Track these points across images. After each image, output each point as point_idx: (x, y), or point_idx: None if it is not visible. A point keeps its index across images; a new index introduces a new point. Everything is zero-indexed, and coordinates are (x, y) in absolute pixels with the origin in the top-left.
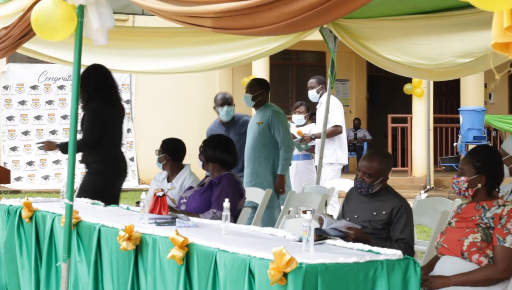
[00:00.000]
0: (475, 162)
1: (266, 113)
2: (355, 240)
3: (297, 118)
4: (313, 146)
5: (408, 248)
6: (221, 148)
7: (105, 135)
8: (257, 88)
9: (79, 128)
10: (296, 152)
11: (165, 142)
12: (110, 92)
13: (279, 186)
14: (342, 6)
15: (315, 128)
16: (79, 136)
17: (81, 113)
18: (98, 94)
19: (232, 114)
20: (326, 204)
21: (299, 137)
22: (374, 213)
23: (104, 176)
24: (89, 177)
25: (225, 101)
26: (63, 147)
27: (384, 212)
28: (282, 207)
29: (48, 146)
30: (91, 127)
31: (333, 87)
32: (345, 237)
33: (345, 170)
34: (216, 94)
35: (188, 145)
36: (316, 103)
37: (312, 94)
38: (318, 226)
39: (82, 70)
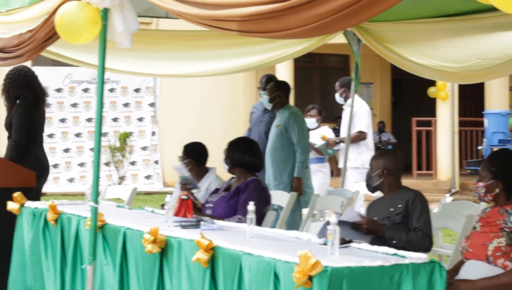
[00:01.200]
0: (491, 167)
1: (284, 115)
2: (368, 230)
3: (309, 121)
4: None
5: (425, 236)
6: (247, 152)
7: (31, 136)
8: (275, 90)
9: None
10: (311, 155)
11: (187, 147)
12: (35, 94)
13: (296, 188)
14: (367, 9)
15: (327, 131)
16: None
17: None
18: (25, 96)
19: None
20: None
21: (323, 142)
22: (391, 209)
23: None
24: None
25: (264, 85)
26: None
27: (400, 206)
28: (302, 209)
29: None
30: (21, 127)
31: (358, 90)
32: (358, 227)
33: None
34: (263, 76)
35: (213, 148)
36: (334, 105)
37: (337, 97)
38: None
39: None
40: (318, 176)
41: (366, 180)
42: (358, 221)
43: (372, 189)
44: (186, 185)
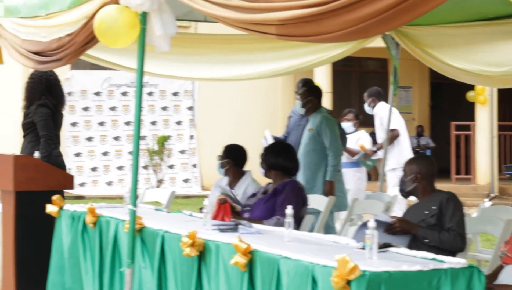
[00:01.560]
0: None
1: (317, 119)
2: (401, 229)
3: (346, 125)
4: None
5: (458, 236)
6: (283, 155)
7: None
8: (307, 95)
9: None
10: (344, 159)
11: (228, 148)
12: (55, 98)
13: (328, 192)
14: (405, 13)
15: (364, 135)
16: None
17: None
18: (45, 97)
19: None
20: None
21: (362, 153)
22: (426, 212)
23: None
24: None
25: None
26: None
27: (434, 207)
28: (334, 213)
29: None
30: (47, 123)
31: (396, 94)
32: (391, 229)
33: None
34: (299, 80)
35: (250, 152)
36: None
37: (366, 108)
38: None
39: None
40: (354, 180)
41: (399, 185)
42: (390, 222)
43: (405, 194)
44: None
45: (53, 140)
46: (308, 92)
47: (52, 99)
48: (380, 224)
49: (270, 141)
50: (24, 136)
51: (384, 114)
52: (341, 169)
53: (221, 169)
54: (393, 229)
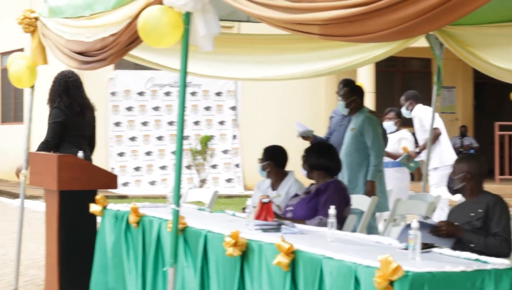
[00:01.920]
0: None
1: (359, 119)
2: (447, 233)
3: (387, 124)
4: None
5: (504, 241)
6: (325, 155)
7: (64, 136)
8: (349, 96)
9: None
10: (385, 159)
11: (268, 150)
12: (73, 99)
13: (369, 192)
14: (449, 13)
15: (406, 134)
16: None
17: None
18: (61, 98)
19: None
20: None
21: (405, 154)
22: (472, 214)
23: None
24: None
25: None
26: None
27: (480, 210)
28: (377, 213)
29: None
30: (53, 127)
31: (439, 94)
32: (437, 231)
33: None
34: (340, 80)
35: (293, 152)
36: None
37: (403, 111)
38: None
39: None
40: (394, 180)
41: (447, 182)
42: (436, 224)
43: (453, 191)
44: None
45: (51, 145)
46: (351, 92)
47: (67, 101)
48: (424, 226)
49: (303, 128)
50: None
51: (424, 115)
52: (383, 169)
53: (263, 171)
54: (439, 232)
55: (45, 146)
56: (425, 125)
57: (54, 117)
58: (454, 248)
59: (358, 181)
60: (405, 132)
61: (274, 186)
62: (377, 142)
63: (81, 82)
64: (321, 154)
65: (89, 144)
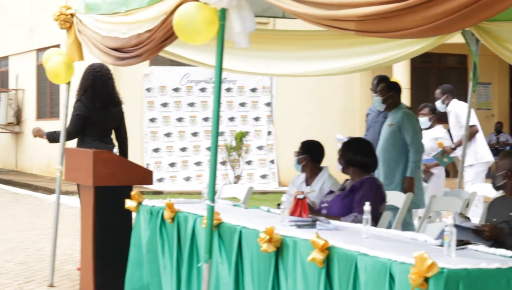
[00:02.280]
0: None
1: (398, 115)
2: (490, 237)
3: (421, 120)
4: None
5: None
6: (361, 152)
7: (86, 129)
8: (386, 91)
9: None
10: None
11: (305, 143)
12: (97, 93)
13: (408, 188)
14: (486, 9)
15: (441, 131)
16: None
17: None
18: (85, 91)
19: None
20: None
21: (439, 150)
22: (511, 214)
23: None
24: None
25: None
26: (50, 136)
27: None
28: (413, 210)
29: (38, 132)
30: (75, 119)
31: (475, 90)
32: (480, 234)
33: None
34: (374, 77)
35: (327, 148)
36: (445, 113)
37: (438, 105)
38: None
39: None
40: (431, 176)
41: (492, 179)
42: (480, 228)
43: (496, 188)
44: None
45: (72, 136)
46: (388, 87)
47: (90, 96)
48: (463, 229)
49: (343, 140)
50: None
51: (460, 110)
52: (421, 166)
53: (298, 165)
54: (482, 235)
55: (68, 136)
56: (461, 121)
57: (76, 110)
58: (491, 246)
59: (395, 177)
60: (440, 129)
61: (308, 181)
62: (416, 139)
63: (111, 76)
64: (358, 150)
65: (118, 137)
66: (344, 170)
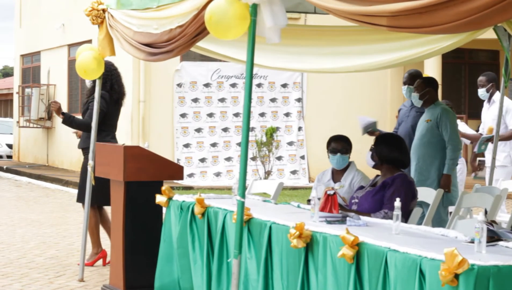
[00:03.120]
0: None
1: (436, 111)
2: None
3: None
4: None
5: None
6: (397, 148)
7: (104, 124)
8: (423, 87)
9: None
10: None
11: (333, 139)
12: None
13: (445, 185)
14: None
15: (463, 127)
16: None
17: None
18: (104, 86)
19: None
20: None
21: (487, 136)
22: None
23: None
24: None
25: (408, 80)
26: (67, 117)
27: None
28: (448, 207)
29: (58, 107)
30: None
31: (507, 87)
32: None
33: None
34: (406, 71)
35: (357, 144)
36: (482, 101)
37: (481, 93)
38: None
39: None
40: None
41: None
42: None
43: None
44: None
45: (89, 129)
46: (425, 83)
47: (110, 91)
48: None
49: (365, 121)
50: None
51: (509, 105)
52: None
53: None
54: None
55: (87, 127)
56: (507, 118)
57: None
58: None
59: (430, 173)
60: (461, 124)
61: (336, 177)
62: (454, 135)
63: (119, 74)
64: (393, 147)
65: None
66: (376, 167)
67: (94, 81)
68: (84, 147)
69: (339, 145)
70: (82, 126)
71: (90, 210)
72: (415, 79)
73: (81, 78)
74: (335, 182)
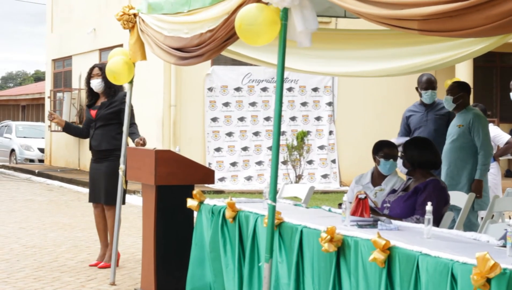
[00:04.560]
0: None
1: (468, 116)
2: None
3: None
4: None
5: None
6: (426, 149)
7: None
8: (458, 91)
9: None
10: None
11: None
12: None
13: (476, 190)
14: None
15: (495, 130)
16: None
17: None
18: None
19: (435, 97)
20: None
21: None
22: None
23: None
24: (118, 161)
25: (430, 85)
26: (67, 126)
27: None
28: (479, 211)
29: (59, 121)
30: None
31: None
32: None
33: None
34: (420, 75)
35: None
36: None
37: None
38: None
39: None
40: (489, 176)
41: None
42: None
43: None
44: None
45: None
46: (459, 88)
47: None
48: None
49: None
50: (104, 126)
51: None
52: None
53: (403, 167)
54: None
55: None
56: None
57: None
58: None
59: (461, 178)
60: (492, 127)
61: (377, 181)
62: (486, 141)
63: None
64: (423, 149)
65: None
66: (410, 173)
67: (104, 82)
68: (105, 149)
69: (393, 151)
70: (81, 135)
71: (101, 211)
72: (434, 84)
73: None
74: (374, 186)
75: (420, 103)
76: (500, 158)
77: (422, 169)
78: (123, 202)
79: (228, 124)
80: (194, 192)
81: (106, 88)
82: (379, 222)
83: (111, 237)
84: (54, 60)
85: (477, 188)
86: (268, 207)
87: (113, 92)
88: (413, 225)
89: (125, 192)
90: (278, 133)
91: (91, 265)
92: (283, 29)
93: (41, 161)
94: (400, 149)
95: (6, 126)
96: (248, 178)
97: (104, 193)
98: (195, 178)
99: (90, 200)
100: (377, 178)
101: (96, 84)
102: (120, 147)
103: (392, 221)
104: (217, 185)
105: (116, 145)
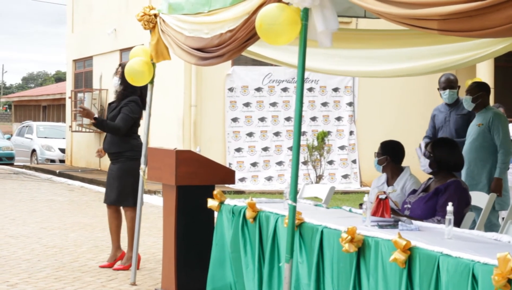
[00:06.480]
0: None
1: (487, 116)
2: None
3: None
4: None
5: None
6: (452, 151)
7: (134, 127)
8: (477, 91)
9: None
10: None
11: (385, 144)
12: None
13: (496, 189)
14: None
15: None
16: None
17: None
18: (135, 92)
19: (455, 97)
20: None
21: None
22: None
23: (138, 161)
24: (129, 163)
25: (448, 84)
26: (99, 122)
27: None
28: (500, 211)
29: (88, 114)
30: (128, 119)
31: None
32: None
33: None
34: (441, 76)
35: (410, 148)
36: None
37: None
38: None
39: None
40: (509, 176)
41: None
42: None
43: None
44: None
45: (120, 133)
46: (479, 87)
47: (140, 96)
48: None
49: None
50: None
51: None
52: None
53: (378, 165)
54: None
55: (117, 132)
56: None
57: (132, 112)
58: None
59: (481, 177)
60: None
61: (390, 182)
62: (506, 140)
63: None
64: (449, 150)
65: None
66: (433, 173)
67: (122, 84)
68: (114, 152)
69: (378, 149)
70: (113, 130)
71: (113, 211)
72: (453, 83)
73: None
74: (389, 186)
75: (446, 103)
76: None
77: (446, 170)
78: (135, 204)
79: (248, 124)
80: (215, 192)
81: (120, 89)
82: (399, 223)
83: (129, 239)
84: (75, 61)
85: (497, 186)
86: (288, 207)
87: (124, 96)
88: (433, 226)
89: (136, 192)
90: (299, 133)
91: (101, 266)
92: (303, 29)
93: (62, 161)
94: (420, 149)
95: (27, 126)
96: (269, 179)
97: (115, 194)
98: (216, 178)
99: (104, 201)
100: (390, 179)
101: (114, 82)
102: (130, 148)
103: (413, 221)
104: (237, 186)
105: (124, 147)
